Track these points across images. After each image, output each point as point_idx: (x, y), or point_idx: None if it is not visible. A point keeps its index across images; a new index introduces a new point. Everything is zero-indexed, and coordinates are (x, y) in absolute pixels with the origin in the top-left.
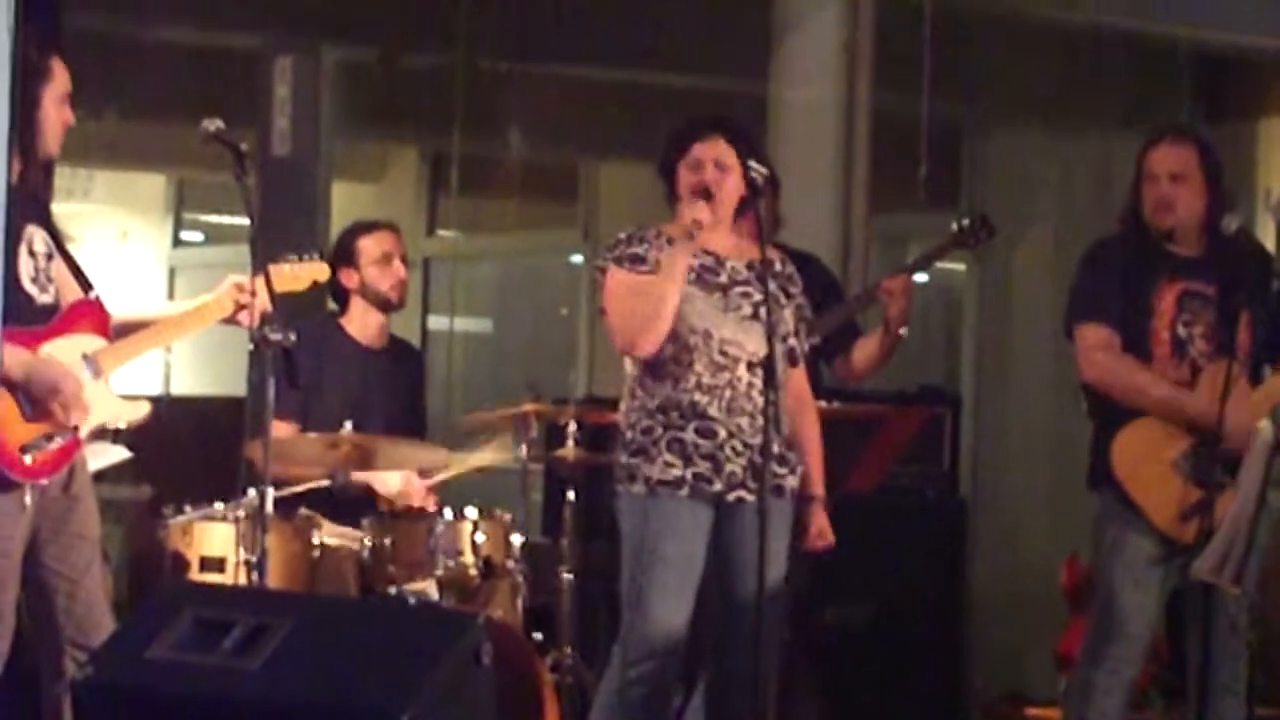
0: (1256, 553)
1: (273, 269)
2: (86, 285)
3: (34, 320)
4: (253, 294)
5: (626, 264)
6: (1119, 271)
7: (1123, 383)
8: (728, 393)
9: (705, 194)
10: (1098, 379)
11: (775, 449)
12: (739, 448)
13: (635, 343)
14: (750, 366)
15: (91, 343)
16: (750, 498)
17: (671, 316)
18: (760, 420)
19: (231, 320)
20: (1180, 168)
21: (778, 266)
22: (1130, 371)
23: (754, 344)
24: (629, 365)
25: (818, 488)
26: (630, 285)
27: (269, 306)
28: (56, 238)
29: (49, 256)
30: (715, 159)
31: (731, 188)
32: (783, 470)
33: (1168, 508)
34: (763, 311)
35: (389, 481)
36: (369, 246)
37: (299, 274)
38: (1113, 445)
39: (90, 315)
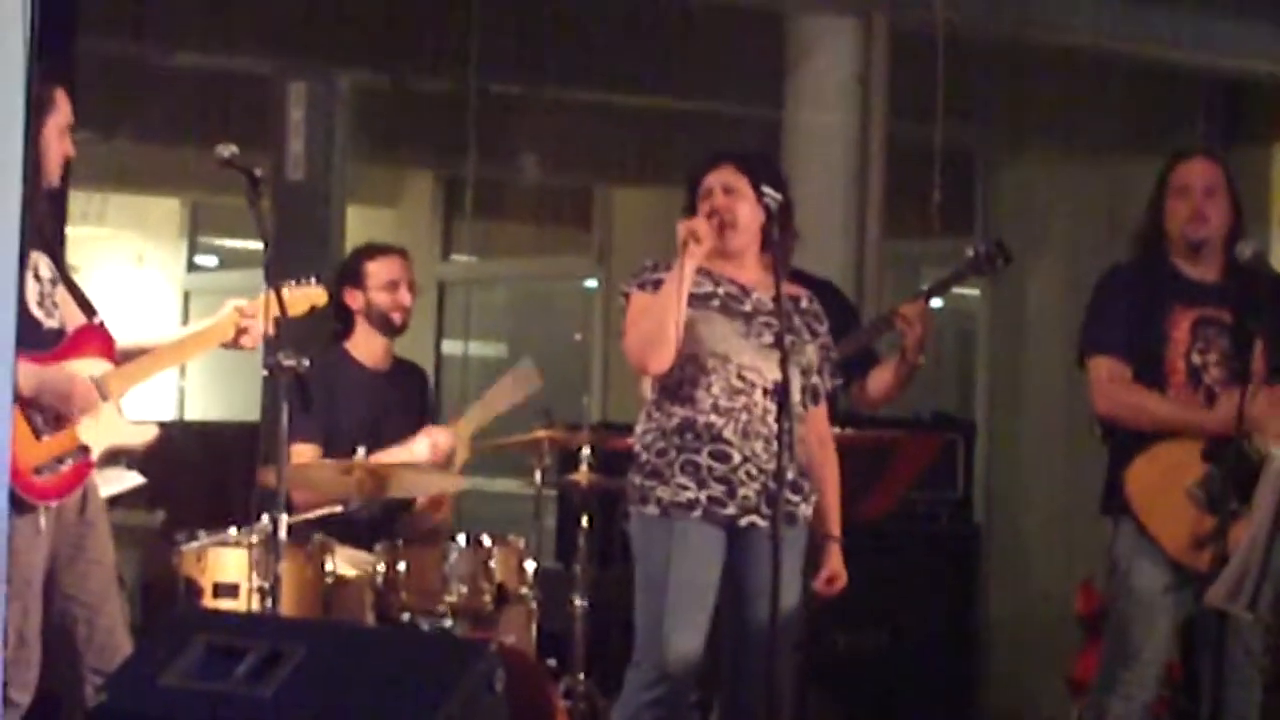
0: (1271, 579)
1: (270, 294)
2: (90, 310)
3: (41, 345)
4: (253, 317)
5: (650, 289)
6: (1131, 300)
7: (1135, 412)
8: (744, 416)
9: (717, 222)
10: (1110, 412)
11: (789, 476)
12: (753, 472)
13: (645, 360)
14: (767, 393)
15: (98, 366)
16: (763, 523)
17: (676, 330)
18: (775, 446)
19: (233, 344)
20: (1213, 182)
21: (804, 304)
22: (1142, 400)
23: (773, 371)
24: (646, 389)
25: (834, 528)
26: (644, 306)
27: (269, 330)
28: (60, 264)
29: (54, 282)
30: (724, 185)
31: (746, 214)
32: (796, 498)
33: (1181, 535)
34: (767, 337)
35: (418, 452)
36: (377, 270)
37: (297, 298)
38: (1127, 473)
39: (96, 340)
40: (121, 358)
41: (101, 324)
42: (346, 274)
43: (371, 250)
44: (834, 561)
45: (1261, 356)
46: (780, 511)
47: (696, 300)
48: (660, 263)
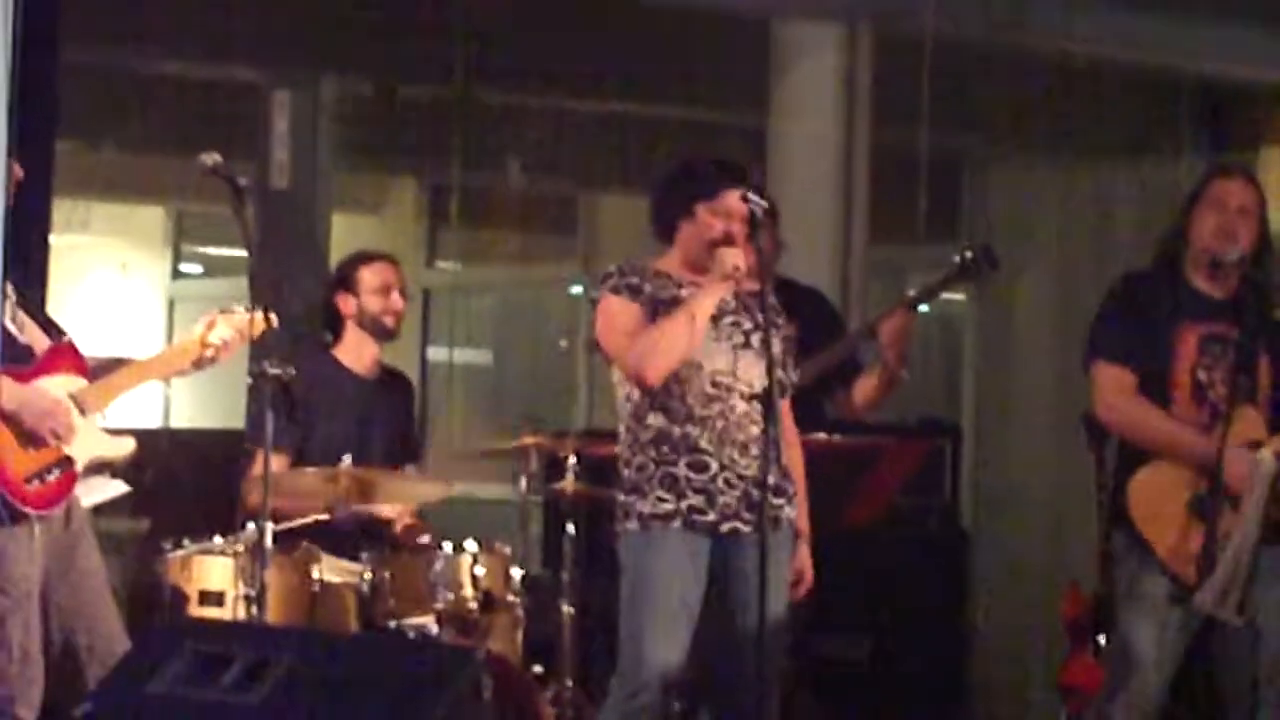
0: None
1: (223, 317)
2: (57, 331)
3: (18, 359)
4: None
5: (626, 294)
6: (1141, 310)
7: (1138, 427)
8: (719, 423)
9: (730, 243)
10: (1113, 422)
11: (771, 480)
12: (732, 479)
13: (646, 371)
14: (744, 397)
15: (73, 382)
16: (746, 529)
17: (689, 351)
18: (754, 450)
19: (199, 364)
20: (1249, 204)
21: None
22: (1146, 416)
23: (746, 373)
24: (623, 399)
25: (802, 523)
26: (634, 314)
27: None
28: (27, 283)
29: (15, 303)
30: (742, 212)
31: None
32: (779, 501)
33: (1182, 550)
34: (754, 340)
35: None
36: (369, 276)
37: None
38: (1130, 484)
39: (69, 357)
40: (94, 371)
41: (71, 342)
42: (339, 280)
43: (364, 256)
44: (801, 559)
45: (1267, 374)
46: (766, 517)
47: (663, 305)
48: (626, 267)
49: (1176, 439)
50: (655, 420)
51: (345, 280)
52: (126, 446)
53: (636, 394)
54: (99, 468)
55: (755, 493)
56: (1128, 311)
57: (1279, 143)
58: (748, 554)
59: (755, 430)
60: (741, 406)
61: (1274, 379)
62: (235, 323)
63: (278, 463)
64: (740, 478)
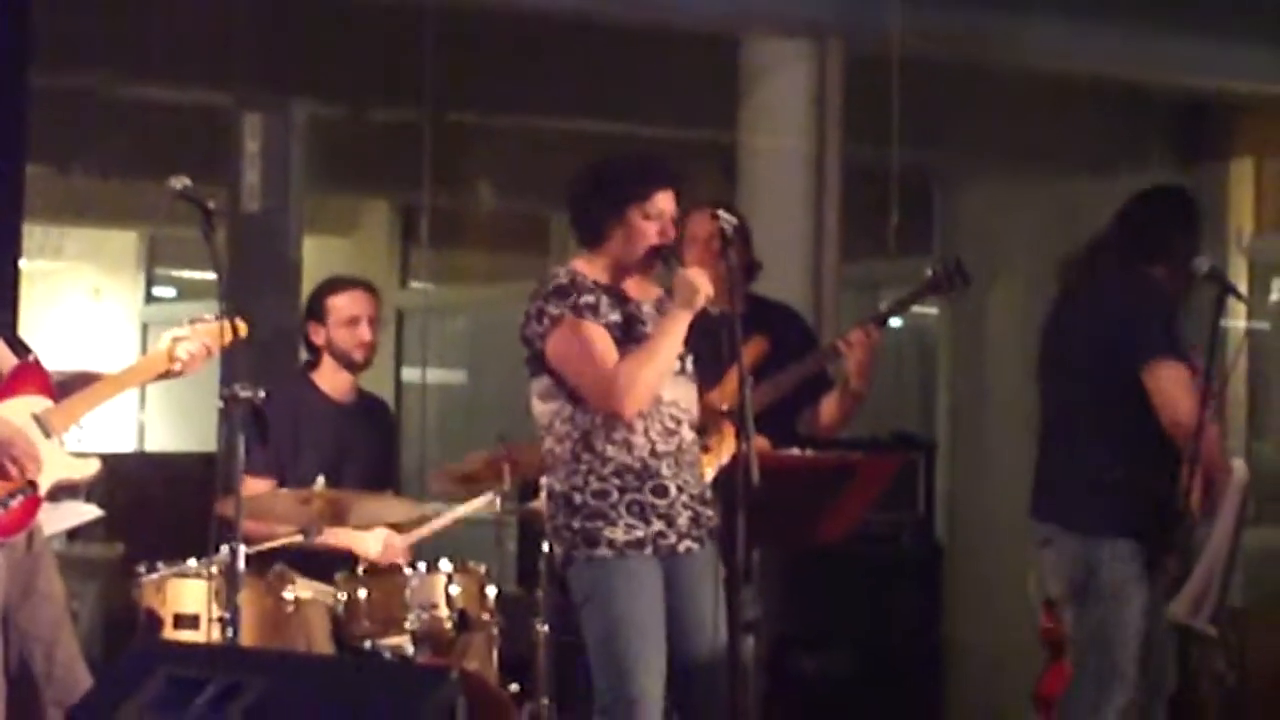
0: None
1: (192, 328)
2: (23, 349)
3: None
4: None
5: (589, 316)
6: (1173, 312)
7: (1191, 429)
8: (676, 452)
9: (669, 252)
10: (1188, 419)
11: (706, 494)
12: (686, 501)
13: (626, 403)
14: (690, 425)
15: (38, 403)
16: (696, 546)
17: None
18: (698, 470)
19: (166, 375)
20: None
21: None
22: (1199, 418)
23: (687, 401)
24: (560, 424)
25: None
26: (607, 341)
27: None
28: None
29: None
30: (673, 213)
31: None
32: (710, 511)
33: None
34: (687, 364)
35: (369, 545)
36: (339, 305)
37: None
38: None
39: (34, 377)
40: (59, 386)
41: (37, 361)
42: (311, 308)
43: (335, 285)
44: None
45: None
46: (705, 530)
47: (616, 328)
48: (573, 282)
49: (1217, 452)
50: (616, 452)
51: (315, 309)
52: (91, 467)
53: (587, 421)
54: (66, 490)
55: (701, 510)
56: (1171, 313)
57: (1248, 155)
58: (696, 572)
59: (697, 451)
60: (689, 435)
61: None
62: (203, 334)
63: (257, 487)
64: (691, 498)
